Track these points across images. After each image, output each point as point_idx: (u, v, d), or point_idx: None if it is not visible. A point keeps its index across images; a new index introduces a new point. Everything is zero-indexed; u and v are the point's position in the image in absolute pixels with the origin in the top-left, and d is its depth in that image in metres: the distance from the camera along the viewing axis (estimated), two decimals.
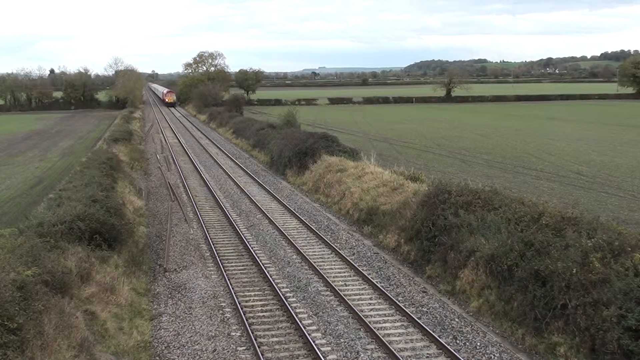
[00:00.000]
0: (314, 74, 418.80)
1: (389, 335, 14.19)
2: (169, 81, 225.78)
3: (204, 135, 66.83)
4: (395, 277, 18.55)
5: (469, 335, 14.26)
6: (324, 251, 21.31)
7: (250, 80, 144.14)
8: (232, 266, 19.55)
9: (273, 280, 17.78)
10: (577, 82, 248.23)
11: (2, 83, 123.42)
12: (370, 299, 16.64)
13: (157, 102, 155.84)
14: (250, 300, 16.55)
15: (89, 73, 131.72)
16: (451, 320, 15.20)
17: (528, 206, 17.13)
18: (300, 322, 14.73)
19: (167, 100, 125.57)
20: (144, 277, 18.15)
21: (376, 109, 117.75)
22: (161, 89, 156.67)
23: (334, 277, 18.26)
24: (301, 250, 20.84)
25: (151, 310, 15.84)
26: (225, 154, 49.36)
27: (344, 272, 18.93)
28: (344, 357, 13.21)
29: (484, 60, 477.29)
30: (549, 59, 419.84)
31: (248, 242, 22.10)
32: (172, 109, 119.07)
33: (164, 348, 13.73)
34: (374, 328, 14.35)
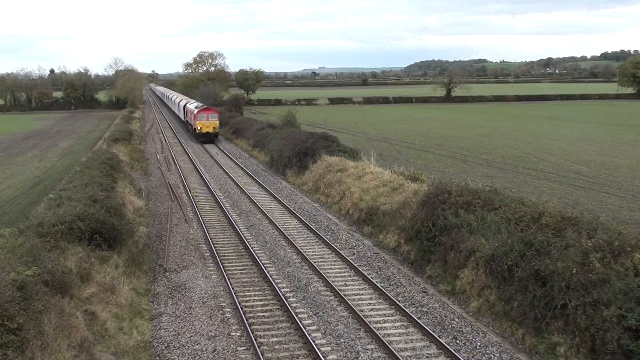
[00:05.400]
0: (314, 74, 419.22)
1: (389, 335, 14.19)
2: (169, 81, 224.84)
3: None
4: (395, 277, 18.55)
5: (469, 335, 14.26)
6: (324, 251, 21.31)
7: (250, 80, 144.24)
8: (232, 266, 19.55)
9: (273, 280, 17.78)
10: (577, 82, 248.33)
11: (2, 83, 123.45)
12: (370, 299, 16.64)
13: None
14: (250, 300, 16.55)
15: (89, 73, 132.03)
16: (451, 320, 15.20)
17: (528, 206, 17.12)
18: (300, 322, 14.73)
19: (199, 128, 56.48)
20: (144, 277, 18.14)
21: (376, 109, 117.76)
22: (178, 98, 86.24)
23: (334, 277, 18.26)
24: (301, 250, 20.84)
25: (151, 310, 15.84)
26: (225, 154, 49.33)
27: (344, 272, 18.93)
28: (344, 357, 13.21)
29: (484, 60, 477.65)
30: (549, 59, 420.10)
31: (248, 242, 22.09)
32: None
33: (164, 348, 13.73)
34: (374, 328, 14.34)
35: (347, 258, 20.00)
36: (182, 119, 74.22)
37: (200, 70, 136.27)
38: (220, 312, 15.76)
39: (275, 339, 14.05)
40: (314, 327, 14.69)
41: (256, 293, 17.12)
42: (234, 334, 14.41)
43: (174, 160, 45.23)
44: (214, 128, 56.91)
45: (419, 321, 14.76)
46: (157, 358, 13.28)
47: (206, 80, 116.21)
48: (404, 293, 17.18)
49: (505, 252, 15.12)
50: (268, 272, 18.52)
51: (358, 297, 16.71)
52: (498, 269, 15.18)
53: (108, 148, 41.24)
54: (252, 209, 28.11)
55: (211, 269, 19.39)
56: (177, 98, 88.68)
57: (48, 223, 16.56)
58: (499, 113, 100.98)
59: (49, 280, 12.69)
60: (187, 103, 71.56)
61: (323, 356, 12.95)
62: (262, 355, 13.11)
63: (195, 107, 60.51)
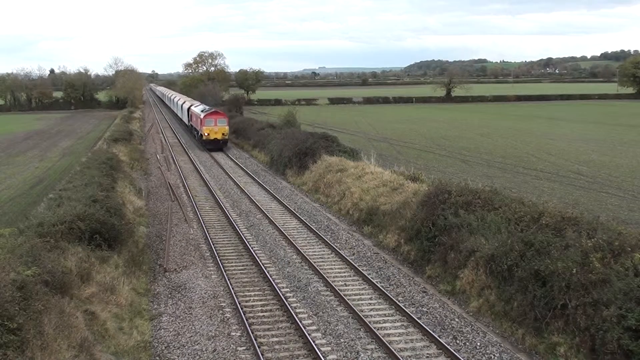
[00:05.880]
0: (314, 74, 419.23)
1: (389, 335, 14.19)
2: (169, 81, 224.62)
3: None
4: (395, 277, 18.55)
5: (469, 335, 14.26)
6: (324, 251, 21.31)
7: (250, 80, 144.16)
8: (232, 266, 19.55)
9: (273, 280, 17.78)
10: (577, 82, 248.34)
11: (2, 83, 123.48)
12: (370, 299, 16.64)
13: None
14: (250, 300, 16.55)
15: (89, 73, 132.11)
16: (451, 320, 15.20)
17: (528, 206, 17.13)
18: (300, 322, 14.73)
19: (206, 134, 50.81)
20: (144, 277, 18.14)
21: (376, 109, 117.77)
22: (181, 100, 79.00)
23: (334, 277, 18.26)
24: (301, 250, 20.84)
25: (151, 310, 15.84)
26: (225, 153, 49.31)
27: (344, 272, 18.93)
28: (344, 357, 13.21)
29: (484, 60, 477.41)
30: (549, 59, 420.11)
31: (248, 242, 22.10)
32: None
33: (164, 348, 13.73)
34: (374, 328, 14.35)
35: (347, 258, 20.01)
36: (187, 123, 67.67)
37: (200, 70, 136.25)
38: (220, 312, 15.76)
39: (275, 339, 14.05)
40: (314, 327, 14.70)
41: (256, 293, 17.12)
42: (234, 334, 14.41)
43: (174, 160, 45.23)
44: (223, 134, 51.16)
45: (419, 321, 14.76)
46: (157, 358, 13.28)
47: (206, 80, 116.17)
48: (404, 293, 17.18)
49: (505, 252, 15.13)
50: (268, 272, 18.52)
51: (358, 297, 16.71)
52: (498, 269, 15.18)
53: (108, 148, 41.21)
54: (252, 209, 28.12)
55: (211, 269, 19.39)
56: (180, 100, 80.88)
57: (48, 223, 16.57)
58: (499, 113, 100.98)
59: (49, 280, 12.69)
60: (191, 106, 64.87)
61: (323, 356, 12.96)
62: (262, 355, 13.11)
63: (202, 111, 53.77)
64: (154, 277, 18.51)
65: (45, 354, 10.50)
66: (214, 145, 51.00)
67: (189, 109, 65.03)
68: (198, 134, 54.79)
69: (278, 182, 35.56)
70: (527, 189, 31.09)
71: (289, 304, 15.89)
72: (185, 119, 69.83)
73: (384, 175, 27.24)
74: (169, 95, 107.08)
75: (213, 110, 53.96)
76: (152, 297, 16.86)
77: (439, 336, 13.97)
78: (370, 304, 16.24)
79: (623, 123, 77.69)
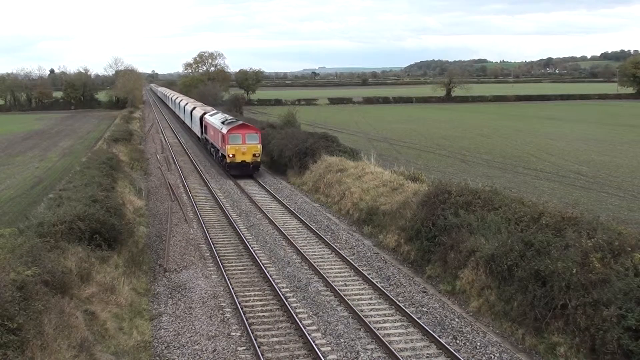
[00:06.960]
0: (314, 74, 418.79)
1: (389, 335, 14.19)
2: (169, 81, 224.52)
3: None
4: (395, 277, 18.55)
5: (469, 335, 14.26)
6: (324, 251, 21.31)
7: (250, 80, 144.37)
8: (232, 266, 19.55)
9: (273, 280, 17.78)
10: (577, 82, 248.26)
11: (2, 83, 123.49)
12: (370, 299, 16.64)
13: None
14: (250, 300, 16.55)
15: (89, 73, 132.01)
16: (451, 320, 15.20)
17: (528, 206, 17.13)
18: (300, 322, 14.73)
19: (231, 154, 36.11)
20: (144, 277, 18.14)
21: (376, 109, 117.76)
22: (190, 105, 64.33)
23: (334, 277, 18.26)
24: (301, 250, 20.84)
25: (151, 310, 15.84)
26: None
27: (344, 272, 18.93)
28: (344, 357, 13.21)
29: (484, 60, 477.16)
30: (549, 59, 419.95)
31: (248, 242, 22.10)
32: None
33: (164, 348, 13.73)
34: (374, 328, 14.35)
35: (347, 258, 20.01)
36: (199, 135, 53.16)
37: (200, 70, 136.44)
38: (220, 312, 15.77)
39: (275, 339, 14.05)
40: (314, 327, 14.70)
41: (256, 293, 17.13)
42: (234, 334, 14.41)
43: (174, 160, 45.23)
44: (254, 155, 36.53)
45: (419, 321, 14.77)
46: (157, 358, 13.28)
47: (206, 80, 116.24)
48: (404, 293, 17.19)
49: (505, 252, 15.13)
50: (268, 272, 18.52)
51: (358, 297, 16.71)
52: (498, 269, 15.18)
53: (108, 148, 41.21)
54: (252, 209, 28.12)
55: (211, 269, 19.39)
56: (188, 105, 65.06)
57: (48, 223, 16.56)
58: (499, 113, 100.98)
59: (49, 280, 12.70)
60: (205, 113, 49.20)
61: (323, 356, 12.96)
62: (262, 355, 13.11)
63: (223, 123, 39.37)
64: (154, 277, 18.52)
65: (45, 354, 10.50)
66: (242, 171, 36.68)
67: (202, 117, 49.94)
68: (218, 153, 40.59)
69: (278, 182, 35.56)
70: (527, 189, 31.11)
71: (289, 304, 15.89)
72: (197, 130, 54.62)
73: (384, 175, 27.25)
74: (174, 98, 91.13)
75: (240, 122, 38.77)
76: (152, 297, 16.86)
77: (439, 336, 13.97)
78: (370, 304, 16.25)
79: (623, 123, 77.70)
